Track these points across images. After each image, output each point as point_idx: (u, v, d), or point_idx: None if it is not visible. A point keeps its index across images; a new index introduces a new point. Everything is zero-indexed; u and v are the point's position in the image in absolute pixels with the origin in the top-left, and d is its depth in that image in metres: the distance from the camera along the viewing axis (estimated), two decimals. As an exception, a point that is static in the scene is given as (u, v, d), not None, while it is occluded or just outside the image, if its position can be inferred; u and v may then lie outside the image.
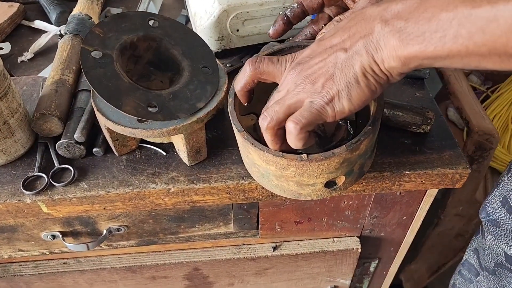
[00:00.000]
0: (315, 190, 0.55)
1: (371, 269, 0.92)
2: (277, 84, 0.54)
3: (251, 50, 0.81)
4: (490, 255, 0.79)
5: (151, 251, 0.80)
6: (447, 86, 1.19)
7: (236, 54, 0.81)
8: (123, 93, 0.57)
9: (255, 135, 0.58)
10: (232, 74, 0.74)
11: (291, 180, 0.53)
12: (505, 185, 0.72)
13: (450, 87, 1.18)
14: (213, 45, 0.78)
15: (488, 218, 0.76)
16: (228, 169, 0.64)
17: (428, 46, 0.38)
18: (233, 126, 0.54)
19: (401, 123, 0.67)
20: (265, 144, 0.51)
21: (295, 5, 0.57)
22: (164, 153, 0.66)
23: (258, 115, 0.60)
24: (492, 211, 0.74)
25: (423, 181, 0.65)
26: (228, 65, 0.79)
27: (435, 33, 0.37)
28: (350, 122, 0.57)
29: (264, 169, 0.54)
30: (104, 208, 0.64)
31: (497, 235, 0.76)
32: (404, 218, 0.79)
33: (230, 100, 0.56)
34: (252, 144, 0.51)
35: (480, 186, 1.28)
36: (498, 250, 0.77)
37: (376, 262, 0.91)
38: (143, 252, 0.80)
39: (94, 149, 0.65)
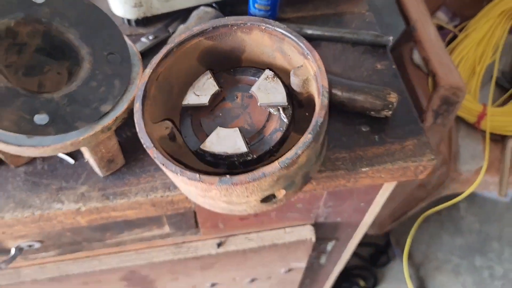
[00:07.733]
0: (250, 206, 0.45)
1: (329, 248, 0.85)
2: (196, 75, 0.48)
3: (179, 15, 0.67)
4: None
5: (79, 258, 0.70)
6: (413, 33, 1.07)
7: (161, 22, 0.67)
8: (-1, 102, 0.44)
9: (173, 145, 0.46)
10: (151, 53, 0.61)
11: (219, 200, 0.43)
12: None
13: (416, 35, 1.06)
14: (130, 13, 0.63)
15: None
16: (151, 177, 0.53)
17: None
18: (141, 141, 0.43)
19: (359, 108, 0.57)
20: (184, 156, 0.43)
21: None
22: (72, 161, 0.54)
23: (173, 121, 0.47)
24: None
25: (382, 176, 0.56)
26: (150, 37, 0.64)
27: None
28: (284, 109, 0.45)
29: (185, 189, 0.44)
30: (3, 233, 0.53)
31: None
32: (362, 204, 0.71)
33: (137, 106, 0.44)
34: (163, 164, 0.40)
35: (444, 137, 1.22)
36: None
37: (334, 242, 0.84)
38: (69, 259, 0.70)
39: (-18, 161, 0.53)
